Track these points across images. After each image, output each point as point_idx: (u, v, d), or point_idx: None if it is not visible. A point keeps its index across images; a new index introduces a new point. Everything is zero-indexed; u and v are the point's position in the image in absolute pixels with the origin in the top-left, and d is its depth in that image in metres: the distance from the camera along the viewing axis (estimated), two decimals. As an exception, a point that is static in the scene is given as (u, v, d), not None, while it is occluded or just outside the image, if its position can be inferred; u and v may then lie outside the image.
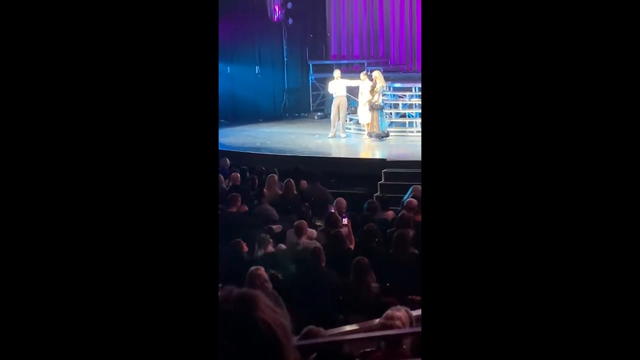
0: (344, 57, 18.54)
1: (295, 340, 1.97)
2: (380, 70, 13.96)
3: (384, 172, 10.90)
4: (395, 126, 13.84)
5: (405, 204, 7.99)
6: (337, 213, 7.71)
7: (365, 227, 7.08)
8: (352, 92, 13.86)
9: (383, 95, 13.18)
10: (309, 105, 17.39)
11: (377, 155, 11.97)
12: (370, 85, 12.74)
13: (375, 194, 10.20)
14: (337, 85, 13.47)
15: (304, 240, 6.95)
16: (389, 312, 4.22)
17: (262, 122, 16.45)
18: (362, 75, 13.31)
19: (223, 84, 14.00)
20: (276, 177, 9.77)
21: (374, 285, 5.83)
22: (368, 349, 4.14)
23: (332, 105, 13.65)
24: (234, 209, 8.42)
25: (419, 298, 5.20)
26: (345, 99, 13.56)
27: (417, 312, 4.28)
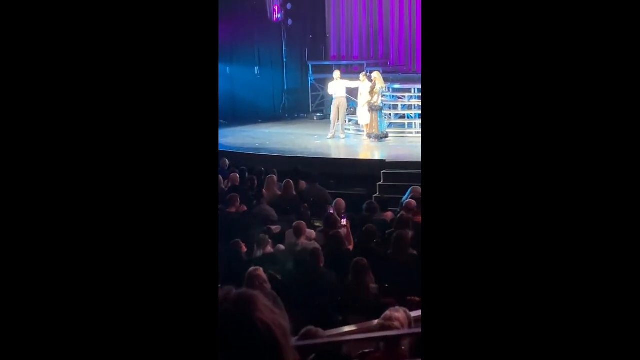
0: (343, 58, 18.54)
1: (293, 340, 1.97)
2: (380, 71, 13.93)
3: (383, 173, 10.89)
4: (394, 127, 13.83)
5: (404, 204, 7.98)
6: (336, 214, 7.70)
7: (364, 228, 7.08)
8: (352, 93, 13.86)
9: (382, 96, 13.18)
10: (308, 106, 17.39)
11: (376, 156, 11.97)
12: (369, 86, 12.73)
13: (374, 195, 10.21)
14: (337, 86, 13.46)
15: (302, 240, 6.94)
16: (387, 312, 4.22)
17: (261, 122, 16.44)
18: (362, 76, 13.30)
19: (223, 85, 13.97)
20: (275, 177, 9.77)
21: (373, 286, 5.83)
22: (367, 350, 4.13)
23: (332, 106, 13.66)
24: (233, 210, 8.41)
25: (417, 299, 5.20)
26: (344, 100, 13.56)
27: (416, 313, 4.28)
